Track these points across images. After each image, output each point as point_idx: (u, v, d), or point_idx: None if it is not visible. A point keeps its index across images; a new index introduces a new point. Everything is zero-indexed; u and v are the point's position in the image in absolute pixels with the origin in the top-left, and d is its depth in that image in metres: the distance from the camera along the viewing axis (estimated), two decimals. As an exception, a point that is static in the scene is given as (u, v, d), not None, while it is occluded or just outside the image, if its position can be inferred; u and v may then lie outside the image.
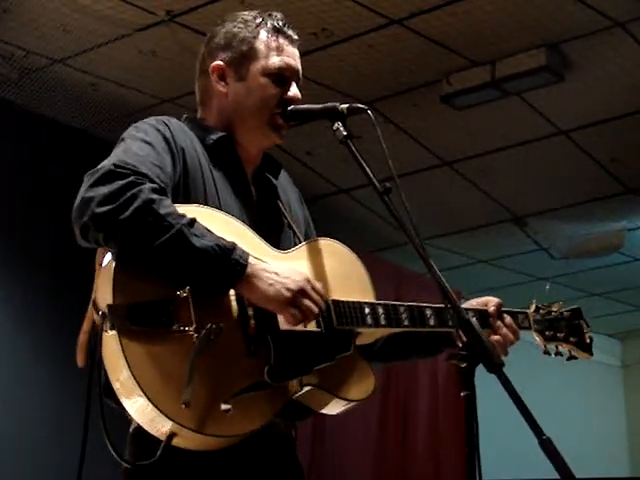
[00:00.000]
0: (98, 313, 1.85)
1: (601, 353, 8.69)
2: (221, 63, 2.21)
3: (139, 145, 2.00)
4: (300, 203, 2.40)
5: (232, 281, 1.91)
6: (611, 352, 9.52)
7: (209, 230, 1.92)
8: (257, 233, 2.08)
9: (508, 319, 2.33)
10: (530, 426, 1.66)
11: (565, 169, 5.77)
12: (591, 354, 2.53)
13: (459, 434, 6.08)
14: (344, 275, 2.18)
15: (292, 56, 2.23)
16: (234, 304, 1.95)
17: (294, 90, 2.21)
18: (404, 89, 4.96)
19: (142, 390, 1.79)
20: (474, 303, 2.35)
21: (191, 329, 1.85)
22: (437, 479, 6.56)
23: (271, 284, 1.93)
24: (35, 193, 5.05)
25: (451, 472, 6.43)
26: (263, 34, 2.21)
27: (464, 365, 1.75)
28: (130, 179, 1.87)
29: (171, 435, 1.83)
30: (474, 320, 1.82)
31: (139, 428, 1.90)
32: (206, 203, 2.06)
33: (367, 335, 2.20)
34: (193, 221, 1.89)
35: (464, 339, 1.78)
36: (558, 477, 1.66)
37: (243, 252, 1.92)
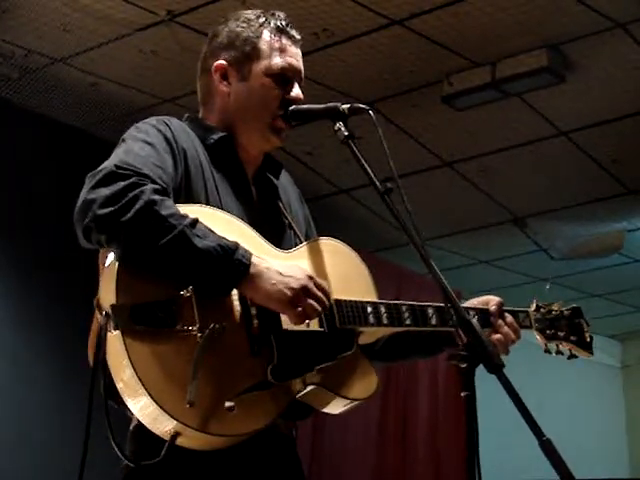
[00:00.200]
0: (102, 313, 1.85)
1: (601, 354, 8.69)
2: (223, 62, 2.21)
3: (140, 146, 2.00)
4: (300, 202, 2.40)
5: (235, 281, 1.91)
6: (611, 353, 9.52)
7: (211, 230, 1.92)
8: (258, 233, 2.08)
9: (509, 318, 2.34)
10: (530, 427, 1.66)
11: (565, 170, 5.77)
12: (591, 352, 2.53)
13: (459, 434, 6.07)
14: (346, 274, 2.18)
15: (295, 56, 2.23)
16: (237, 304, 1.95)
17: (296, 91, 2.21)
18: (405, 89, 4.96)
19: (146, 389, 1.79)
20: (475, 302, 2.35)
21: (194, 329, 1.86)
22: (437, 479, 6.55)
23: (274, 283, 1.93)
24: (35, 193, 5.04)
25: (451, 472, 6.42)
26: (266, 34, 2.21)
27: (464, 365, 1.76)
28: (132, 180, 1.87)
29: (175, 435, 1.83)
30: (474, 320, 1.81)
31: (139, 426, 1.90)
32: (207, 203, 2.06)
33: (369, 334, 2.20)
34: (195, 221, 1.89)
35: (464, 339, 1.79)
36: (558, 478, 1.66)
37: (246, 252, 1.92)
